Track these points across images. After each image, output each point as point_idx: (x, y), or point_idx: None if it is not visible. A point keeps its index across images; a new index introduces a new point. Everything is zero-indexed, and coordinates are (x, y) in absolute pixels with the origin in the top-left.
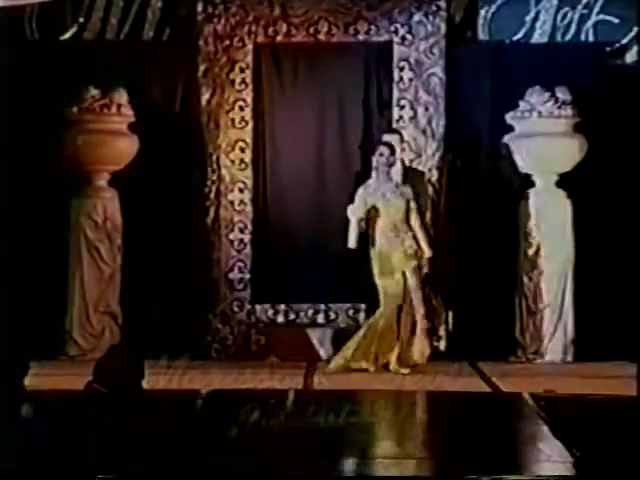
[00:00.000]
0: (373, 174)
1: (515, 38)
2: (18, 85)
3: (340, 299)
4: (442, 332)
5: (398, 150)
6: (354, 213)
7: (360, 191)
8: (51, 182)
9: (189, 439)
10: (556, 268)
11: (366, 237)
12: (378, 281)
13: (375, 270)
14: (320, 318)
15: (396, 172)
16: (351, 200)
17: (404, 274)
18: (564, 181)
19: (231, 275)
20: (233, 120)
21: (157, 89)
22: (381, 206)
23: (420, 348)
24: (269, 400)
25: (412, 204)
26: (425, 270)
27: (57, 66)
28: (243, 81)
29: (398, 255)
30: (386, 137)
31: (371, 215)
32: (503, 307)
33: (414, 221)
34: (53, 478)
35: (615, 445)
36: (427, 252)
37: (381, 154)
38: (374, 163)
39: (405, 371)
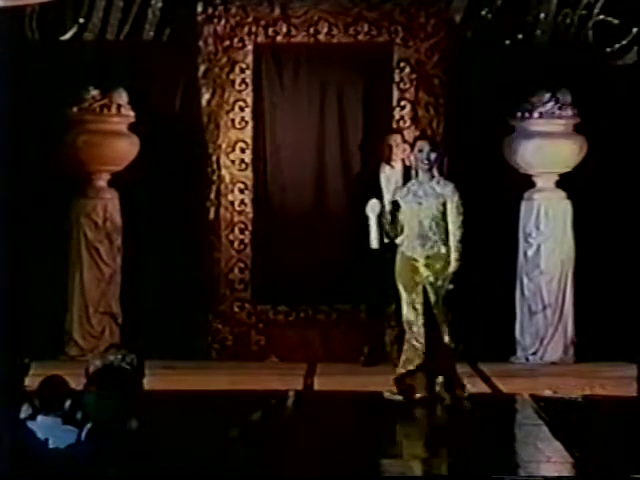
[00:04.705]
0: (412, 173)
1: (514, 38)
2: (18, 85)
3: (340, 299)
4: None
5: (399, 150)
6: (372, 209)
7: (396, 192)
8: (51, 182)
9: (189, 439)
10: (556, 268)
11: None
12: (400, 291)
13: (397, 273)
14: (320, 318)
15: (397, 172)
16: (351, 199)
17: (425, 289)
18: (564, 181)
19: (231, 275)
20: (233, 120)
21: (157, 89)
22: (409, 207)
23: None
24: (269, 400)
25: (450, 206)
26: (450, 285)
27: (57, 66)
28: (243, 81)
29: (421, 266)
30: (388, 137)
31: (400, 215)
32: (503, 307)
33: (451, 225)
34: (53, 479)
35: (615, 445)
36: (452, 265)
37: (420, 150)
38: (412, 160)
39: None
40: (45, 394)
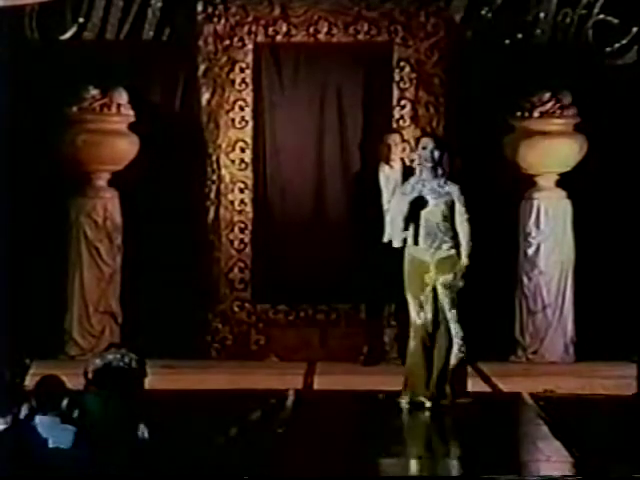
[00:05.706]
0: (416, 171)
1: (514, 38)
2: (18, 85)
3: (340, 299)
4: None
5: (398, 149)
6: (390, 211)
7: (397, 190)
8: (51, 182)
9: (189, 439)
10: (556, 268)
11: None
12: (408, 293)
13: (405, 276)
14: (320, 318)
15: (396, 172)
16: (351, 199)
17: (435, 290)
18: (564, 181)
19: (231, 275)
20: (233, 120)
21: (157, 89)
22: (417, 205)
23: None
24: (269, 400)
25: (458, 206)
26: (461, 283)
27: (57, 66)
28: (243, 81)
29: (431, 266)
30: (386, 137)
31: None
32: (503, 307)
33: (459, 225)
34: (53, 479)
35: (615, 445)
36: (464, 260)
37: (424, 147)
38: (415, 157)
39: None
40: (41, 394)
